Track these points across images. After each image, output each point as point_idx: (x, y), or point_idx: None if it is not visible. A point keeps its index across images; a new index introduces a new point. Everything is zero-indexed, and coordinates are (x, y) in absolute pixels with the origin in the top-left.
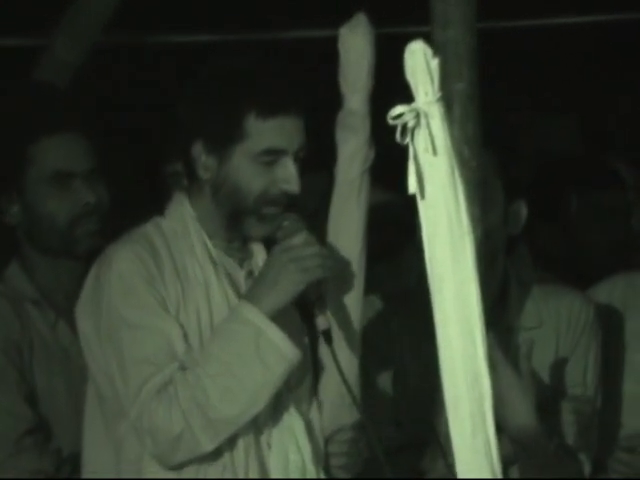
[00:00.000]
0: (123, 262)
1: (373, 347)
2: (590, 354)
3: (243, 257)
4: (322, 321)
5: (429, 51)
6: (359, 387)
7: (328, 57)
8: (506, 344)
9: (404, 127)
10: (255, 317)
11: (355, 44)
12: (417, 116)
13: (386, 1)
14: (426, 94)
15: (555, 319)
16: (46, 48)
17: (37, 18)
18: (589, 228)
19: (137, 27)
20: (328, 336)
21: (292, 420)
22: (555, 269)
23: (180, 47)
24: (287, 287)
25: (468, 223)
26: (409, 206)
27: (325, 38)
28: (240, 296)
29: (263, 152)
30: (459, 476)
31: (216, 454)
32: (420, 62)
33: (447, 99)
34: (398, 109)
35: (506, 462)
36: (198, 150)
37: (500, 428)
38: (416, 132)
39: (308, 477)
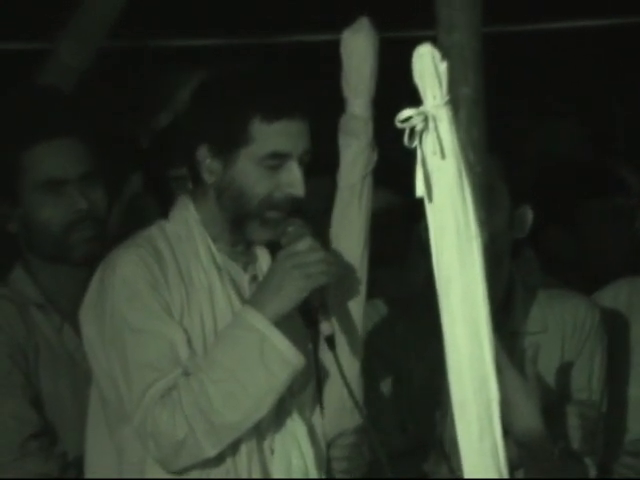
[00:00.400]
0: (127, 266)
1: (377, 351)
2: (595, 358)
3: (247, 261)
4: (326, 327)
5: (437, 54)
6: (361, 391)
7: (332, 61)
8: (511, 348)
9: (412, 130)
10: (259, 323)
11: (358, 48)
12: (425, 119)
13: (391, 5)
14: (434, 97)
15: (560, 324)
16: (51, 52)
17: (42, 22)
18: (600, 231)
19: (141, 31)
20: (331, 342)
21: (295, 425)
22: (561, 272)
23: (184, 51)
24: (291, 293)
25: (476, 226)
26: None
27: (329, 42)
28: (244, 301)
29: (268, 156)
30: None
31: (219, 459)
32: (428, 65)
33: (452, 103)
34: (406, 112)
35: (511, 465)
36: (203, 154)
37: (506, 432)
38: (424, 135)
39: None
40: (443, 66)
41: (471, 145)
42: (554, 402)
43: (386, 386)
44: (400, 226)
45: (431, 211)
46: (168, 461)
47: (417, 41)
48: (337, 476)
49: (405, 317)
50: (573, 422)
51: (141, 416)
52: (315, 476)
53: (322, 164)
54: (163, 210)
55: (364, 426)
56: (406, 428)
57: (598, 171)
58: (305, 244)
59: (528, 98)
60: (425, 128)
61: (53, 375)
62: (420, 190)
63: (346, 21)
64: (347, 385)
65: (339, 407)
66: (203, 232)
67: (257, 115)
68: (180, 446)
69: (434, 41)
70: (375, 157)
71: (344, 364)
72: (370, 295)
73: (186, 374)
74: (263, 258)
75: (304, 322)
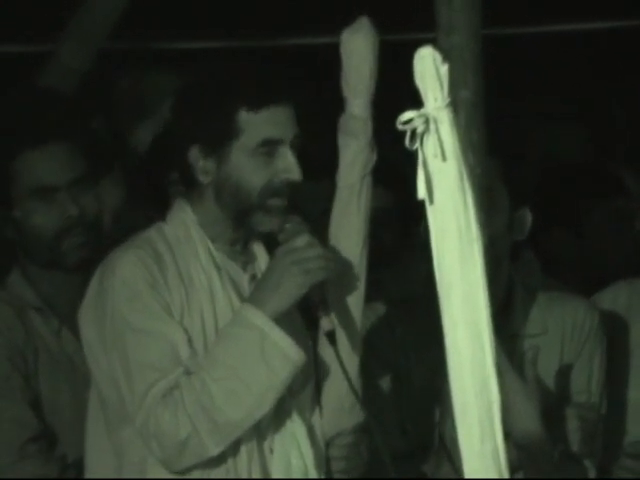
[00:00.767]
0: (127, 267)
1: (378, 353)
2: (595, 361)
3: (246, 261)
4: (326, 322)
5: (438, 57)
6: (360, 388)
7: (333, 63)
8: (511, 350)
9: (413, 132)
10: (259, 320)
11: (357, 48)
12: (426, 122)
13: (391, 7)
14: (435, 99)
15: (560, 326)
16: (52, 54)
17: (43, 24)
18: (600, 233)
19: (143, 33)
20: (332, 337)
21: (294, 426)
22: (562, 274)
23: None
24: (290, 289)
25: (477, 229)
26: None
27: (329, 44)
28: (243, 299)
29: (260, 144)
30: None
31: (219, 459)
32: (429, 67)
33: (452, 106)
34: (407, 114)
35: (511, 468)
36: (195, 155)
37: (506, 434)
38: (425, 138)
39: None
40: (444, 68)
41: (470, 147)
42: (553, 404)
43: (386, 388)
44: (393, 224)
45: (432, 213)
46: (171, 461)
47: (417, 43)
48: (336, 476)
49: (405, 319)
50: (572, 424)
51: (143, 416)
52: (314, 476)
53: (323, 165)
54: (164, 214)
55: (366, 423)
56: (406, 430)
57: (599, 173)
58: (303, 240)
59: (528, 100)
60: (426, 130)
61: (52, 378)
62: (421, 192)
63: (346, 23)
64: (348, 379)
65: (337, 407)
66: (201, 233)
67: (243, 106)
68: (183, 445)
69: (434, 43)
70: (374, 157)
71: (344, 361)
72: (371, 297)
73: (187, 373)
74: (261, 257)
75: (304, 318)
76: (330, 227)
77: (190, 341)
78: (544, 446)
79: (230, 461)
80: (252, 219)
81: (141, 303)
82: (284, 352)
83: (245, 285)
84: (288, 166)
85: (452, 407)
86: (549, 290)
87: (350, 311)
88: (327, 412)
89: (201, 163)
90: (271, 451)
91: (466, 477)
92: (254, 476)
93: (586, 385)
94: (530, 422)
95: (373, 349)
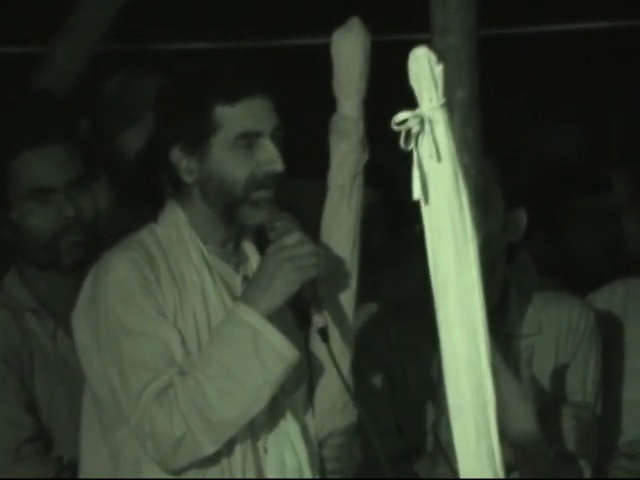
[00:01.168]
0: (120, 269)
1: (372, 354)
2: (590, 361)
3: (238, 261)
4: (319, 319)
5: (433, 57)
6: (352, 386)
7: (330, 64)
8: (506, 351)
9: (408, 133)
10: (252, 318)
11: (347, 48)
12: (421, 122)
13: (386, 8)
14: (430, 100)
15: (555, 326)
16: (47, 55)
17: (38, 26)
18: (578, 231)
19: (137, 35)
20: (324, 334)
21: (288, 425)
22: (551, 275)
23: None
24: (282, 287)
25: (472, 229)
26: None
27: (325, 45)
28: (236, 298)
29: (238, 137)
30: None
31: (214, 459)
32: (424, 68)
33: (447, 106)
34: (402, 115)
35: (507, 468)
36: (177, 156)
37: (501, 434)
38: (420, 138)
39: None
40: (439, 68)
41: (466, 148)
42: (549, 404)
43: (381, 389)
44: (380, 222)
45: (427, 214)
46: (167, 460)
47: (412, 44)
48: (329, 476)
49: (399, 320)
50: (568, 424)
51: (138, 416)
52: (309, 475)
53: (320, 166)
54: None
55: (359, 423)
56: (401, 430)
57: (578, 170)
58: (294, 237)
59: (523, 101)
60: (421, 131)
61: (48, 380)
62: (416, 193)
63: (342, 24)
64: (341, 376)
65: (329, 407)
66: (193, 234)
67: (218, 101)
68: (178, 445)
69: (429, 44)
70: (365, 157)
71: (336, 357)
72: (366, 299)
73: (181, 373)
74: (253, 257)
75: (296, 318)
76: (321, 226)
77: (184, 342)
78: (540, 446)
79: (224, 461)
80: (240, 213)
81: (134, 304)
82: (277, 350)
83: (237, 286)
84: (269, 157)
85: (447, 407)
86: (544, 290)
87: (342, 308)
88: (319, 412)
89: (184, 163)
90: (265, 450)
91: (462, 477)
92: (248, 476)
93: (581, 385)
94: (525, 422)
95: (368, 350)
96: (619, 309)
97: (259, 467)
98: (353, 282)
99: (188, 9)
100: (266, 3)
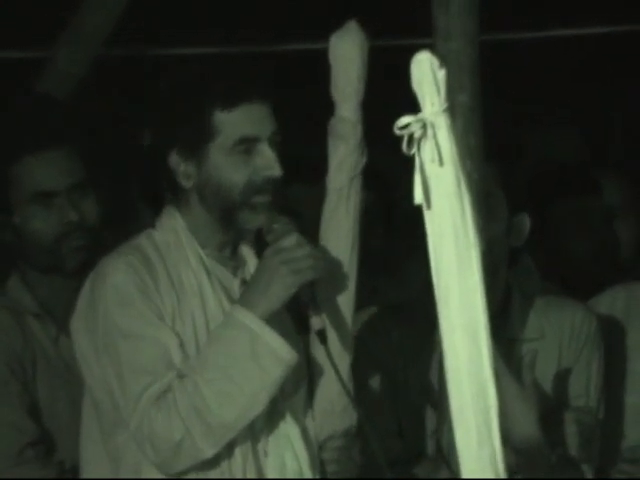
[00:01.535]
0: (117, 273)
1: (374, 357)
2: (592, 365)
3: (236, 265)
4: (317, 321)
5: (436, 61)
6: (352, 389)
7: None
8: (509, 355)
9: (410, 137)
10: (250, 321)
11: (345, 51)
12: (424, 127)
13: (388, 13)
14: (432, 105)
15: (557, 330)
16: (49, 59)
17: (40, 30)
18: (565, 234)
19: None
20: (323, 336)
21: (288, 427)
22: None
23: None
24: (280, 289)
25: (474, 233)
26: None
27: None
28: (234, 301)
29: (236, 143)
30: None
31: (214, 462)
32: (427, 73)
33: (449, 111)
34: (405, 119)
35: (509, 472)
36: (175, 160)
37: (504, 438)
38: (422, 143)
39: None
40: (441, 73)
41: (468, 152)
42: (551, 408)
43: (382, 392)
44: (378, 225)
45: (429, 218)
46: (166, 464)
47: (414, 49)
48: (330, 478)
49: (401, 323)
50: (570, 429)
51: (137, 420)
52: (309, 477)
53: (320, 170)
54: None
55: (358, 426)
56: (402, 435)
57: (566, 173)
58: (292, 240)
59: (523, 105)
60: (423, 135)
61: (50, 384)
62: (419, 197)
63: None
64: (340, 378)
65: (328, 409)
66: (191, 239)
67: (216, 107)
68: (178, 448)
69: (431, 49)
70: (364, 160)
71: (334, 359)
72: (368, 302)
73: (180, 376)
74: (251, 261)
75: (294, 322)
76: (320, 229)
77: (182, 345)
78: (542, 450)
79: (225, 463)
80: (238, 218)
81: (133, 308)
82: (275, 352)
83: (236, 290)
84: (267, 163)
85: (449, 411)
86: (547, 295)
87: (341, 311)
88: (319, 415)
89: (182, 167)
90: (265, 453)
91: None
92: (249, 477)
93: (584, 389)
94: (528, 426)
95: (369, 353)
96: (621, 314)
97: (259, 470)
98: (352, 285)
99: (190, 13)
100: (267, 7)
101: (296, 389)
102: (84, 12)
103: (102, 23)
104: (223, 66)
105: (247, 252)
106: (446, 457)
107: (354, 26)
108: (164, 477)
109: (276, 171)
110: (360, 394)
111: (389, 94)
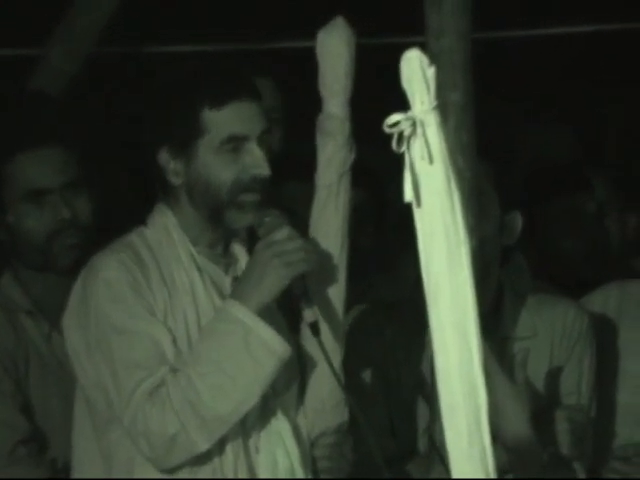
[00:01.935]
0: (109, 270)
1: (367, 355)
2: (584, 363)
3: (228, 263)
4: (309, 314)
5: (425, 59)
6: (344, 382)
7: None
8: (501, 353)
9: (400, 135)
10: (242, 315)
11: (332, 47)
12: (413, 124)
13: (380, 11)
14: (422, 103)
15: (549, 328)
16: (42, 57)
17: (33, 27)
18: (557, 231)
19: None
20: (315, 328)
21: (279, 424)
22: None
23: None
24: (272, 282)
25: (464, 231)
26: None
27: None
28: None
29: (225, 141)
30: None
31: (206, 459)
32: (416, 70)
33: (441, 109)
34: (394, 117)
35: (500, 471)
36: (164, 158)
37: (495, 437)
38: (412, 140)
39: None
40: (431, 71)
41: (460, 151)
42: (543, 407)
43: (375, 391)
44: (368, 222)
45: (419, 216)
46: (160, 459)
47: (406, 47)
48: (321, 476)
49: (394, 321)
50: (562, 427)
51: (131, 415)
52: (301, 475)
53: (313, 167)
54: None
55: (351, 416)
56: (395, 433)
57: (557, 171)
58: (283, 233)
59: (517, 103)
60: (413, 133)
61: (42, 382)
62: (408, 195)
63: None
64: (332, 369)
65: (320, 407)
66: (182, 236)
67: (205, 104)
68: (172, 442)
69: (423, 47)
70: (353, 156)
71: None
72: (361, 300)
73: (173, 371)
74: (243, 259)
75: (287, 318)
76: (310, 226)
77: (174, 341)
78: (533, 448)
79: (216, 460)
80: (226, 216)
81: (125, 304)
82: (268, 345)
83: (227, 287)
84: (255, 161)
85: (440, 410)
86: (539, 293)
87: (332, 305)
88: (310, 412)
89: (171, 165)
90: (257, 450)
91: (454, 479)
92: (240, 475)
93: (576, 387)
94: (520, 425)
95: (362, 350)
96: (614, 312)
97: (251, 467)
98: (342, 279)
99: (184, 11)
100: (265, 5)
101: (288, 386)
102: (77, 9)
103: (95, 20)
104: (214, 64)
105: (239, 250)
106: (440, 453)
107: (341, 22)
108: (157, 474)
109: (264, 170)
110: (352, 391)
111: (379, 92)
